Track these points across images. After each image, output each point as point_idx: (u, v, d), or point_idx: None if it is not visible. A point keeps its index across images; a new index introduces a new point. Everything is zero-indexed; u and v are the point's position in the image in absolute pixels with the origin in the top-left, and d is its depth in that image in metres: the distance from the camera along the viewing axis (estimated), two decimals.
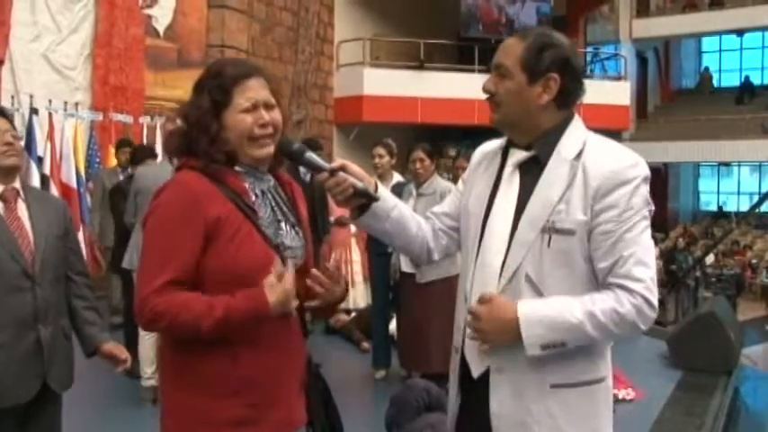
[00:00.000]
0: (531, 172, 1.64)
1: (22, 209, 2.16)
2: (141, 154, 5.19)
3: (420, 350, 4.52)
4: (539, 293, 1.57)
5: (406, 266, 4.63)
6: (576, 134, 1.64)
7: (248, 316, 1.52)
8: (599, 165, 1.56)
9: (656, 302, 1.55)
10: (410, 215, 1.81)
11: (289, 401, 1.64)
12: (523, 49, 1.61)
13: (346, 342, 5.97)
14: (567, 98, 1.64)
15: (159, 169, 4.39)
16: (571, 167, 1.58)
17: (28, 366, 2.09)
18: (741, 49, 26.50)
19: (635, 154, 1.61)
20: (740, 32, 22.81)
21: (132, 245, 4.38)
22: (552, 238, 1.56)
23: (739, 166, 24.74)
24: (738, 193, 25.49)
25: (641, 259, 1.54)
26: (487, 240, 1.65)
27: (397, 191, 4.59)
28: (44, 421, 2.20)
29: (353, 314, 6.41)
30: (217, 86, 1.59)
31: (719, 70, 26.81)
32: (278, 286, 1.53)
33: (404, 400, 3.05)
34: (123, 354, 2.31)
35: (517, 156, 1.67)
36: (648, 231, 1.59)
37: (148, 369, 4.28)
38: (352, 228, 6.38)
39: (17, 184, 2.19)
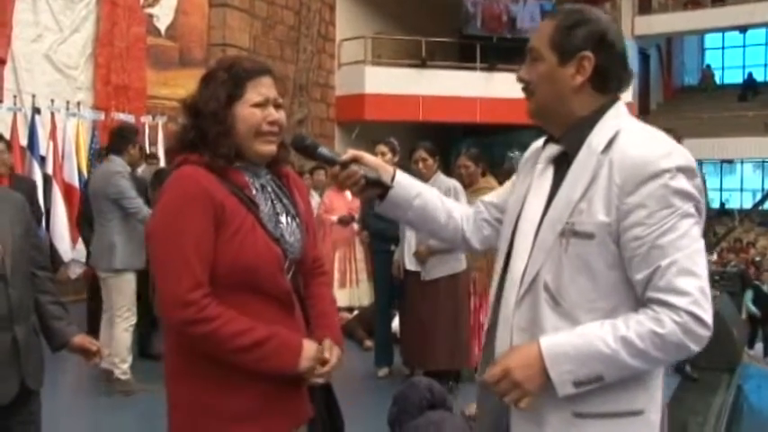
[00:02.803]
0: (562, 168, 1.45)
1: None
2: (115, 144, 4.72)
3: (425, 348, 4.52)
4: (557, 304, 1.39)
5: (410, 265, 4.61)
6: (611, 123, 1.42)
7: (275, 360, 1.56)
8: (625, 157, 1.35)
9: (708, 318, 1.32)
10: (439, 204, 1.69)
11: (292, 396, 1.65)
12: (553, 28, 1.44)
13: (349, 340, 5.97)
14: (605, 79, 1.44)
15: (103, 171, 4.58)
16: (597, 161, 1.38)
17: (6, 367, 2.07)
18: (744, 45, 26.43)
19: (671, 142, 1.38)
20: (743, 29, 22.71)
21: (94, 246, 4.58)
22: (570, 242, 1.38)
23: (742, 163, 24.66)
24: (741, 191, 25.42)
25: (685, 267, 1.30)
26: (516, 243, 1.50)
27: None
28: (23, 420, 2.17)
29: (356, 312, 6.42)
30: (231, 78, 1.60)
31: (722, 67, 26.73)
32: (310, 363, 1.61)
33: (407, 397, 3.04)
34: (94, 346, 2.29)
35: (549, 150, 1.50)
36: (696, 231, 1.34)
37: (123, 365, 4.46)
38: (355, 226, 6.38)
39: None
